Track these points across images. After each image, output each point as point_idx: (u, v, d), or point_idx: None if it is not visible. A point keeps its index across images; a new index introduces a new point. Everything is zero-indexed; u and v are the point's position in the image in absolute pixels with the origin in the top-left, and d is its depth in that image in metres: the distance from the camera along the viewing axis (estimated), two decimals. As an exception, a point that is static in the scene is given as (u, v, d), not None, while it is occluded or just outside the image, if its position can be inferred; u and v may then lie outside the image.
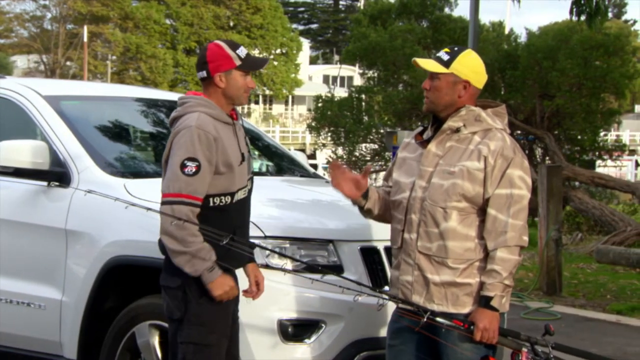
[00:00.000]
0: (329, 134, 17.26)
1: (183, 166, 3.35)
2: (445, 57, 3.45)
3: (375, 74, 17.44)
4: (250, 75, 3.57)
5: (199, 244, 3.35)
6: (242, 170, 3.53)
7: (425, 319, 3.27)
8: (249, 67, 3.53)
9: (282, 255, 3.92)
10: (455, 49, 3.50)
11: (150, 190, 4.40)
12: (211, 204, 3.45)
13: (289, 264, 3.99)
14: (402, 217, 3.48)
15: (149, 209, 3.68)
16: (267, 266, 3.90)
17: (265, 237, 4.00)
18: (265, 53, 49.65)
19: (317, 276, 3.63)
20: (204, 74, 3.53)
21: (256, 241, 3.77)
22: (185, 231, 3.33)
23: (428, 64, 3.48)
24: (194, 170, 3.35)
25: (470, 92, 3.46)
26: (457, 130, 3.43)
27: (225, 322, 3.53)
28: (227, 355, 3.59)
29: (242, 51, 3.54)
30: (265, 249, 3.81)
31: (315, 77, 60.36)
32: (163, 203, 3.39)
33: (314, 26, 75.19)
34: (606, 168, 18.17)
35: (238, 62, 3.50)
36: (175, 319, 3.50)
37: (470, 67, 3.45)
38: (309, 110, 47.31)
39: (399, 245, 3.50)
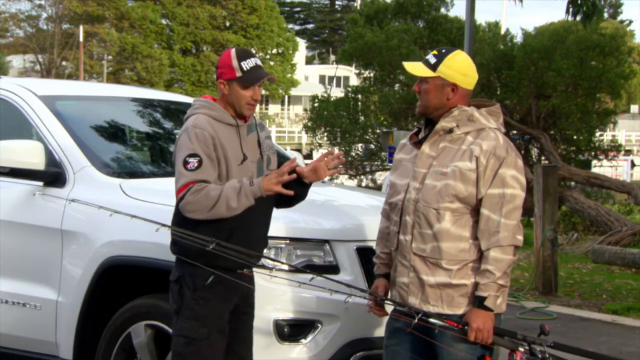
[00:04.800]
0: (325, 134, 17.29)
1: (185, 163, 3.45)
2: (433, 60, 3.45)
3: (372, 74, 17.48)
4: (258, 88, 3.59)
5: (219, 190, 3.39)
6: (242, 171, 3.55)
7: (416, 320, 3.27)
8: (246, 81, 3.55)
9: (270, 259, 3.89)
10: (443, 51, 3.49)
11: (146, 190, 4.40)
12: None
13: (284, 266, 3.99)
14: (397, 219, 3.49)
15: (116, 211, 3.78)
16: (263, 266, 3.89)
17: (262, 237, 4.00)
18: (262, 53, 49.63)
19: (307, 279, 3.65)
20: (215, 77, 3.64)
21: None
22: (200, 193, 3.38)
23: (415, 68, 3.48)
24: (196, 165, 3.44)
25: (460, 94, 3.45)
26: (450, 130, 3.43)
27: (218, 318, 3.55)
28: (231, 353, 3.62)
29: (249, 63, 3.56)
30: (255, 255, 3.73)
31: (312, 77, 60.35)
32: (178, 201, 3.46)
33: (310, 26, 75.18)
34: (602, 168, 18.22)
35: (238, 74, 3.54)
36: (174, 312, 3.59)
37: (458, 69, 3.44)
38: (305, 110, 47.31)
39: (395, 247, 3.50)
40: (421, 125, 3.59)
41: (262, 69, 3.60)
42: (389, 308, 3.55)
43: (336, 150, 3.72)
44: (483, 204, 3.36)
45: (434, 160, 3.43)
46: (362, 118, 17.11)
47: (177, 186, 3.47)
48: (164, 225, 3.54)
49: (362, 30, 16.85)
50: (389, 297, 3.55)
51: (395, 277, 3.50)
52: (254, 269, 3.66)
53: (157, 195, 4.27)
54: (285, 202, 3.71)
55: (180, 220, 3.52)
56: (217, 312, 3.54)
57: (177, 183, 3.48)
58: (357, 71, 19.43)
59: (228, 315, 3.60)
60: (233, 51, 3.59)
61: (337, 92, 20.26)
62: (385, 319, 3.60)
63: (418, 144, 3.52)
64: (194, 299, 3.51)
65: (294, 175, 3.45)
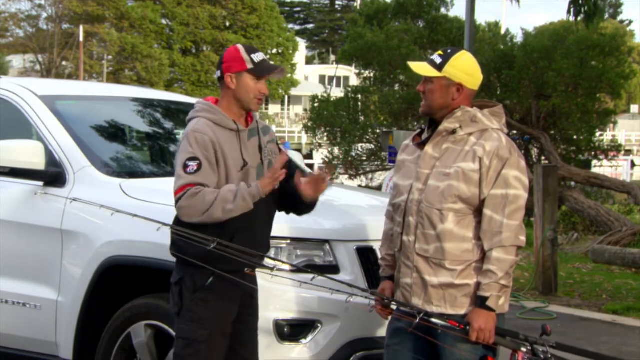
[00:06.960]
0: (325, 134, 17.29)
1: (185, 167, 3.44)
2: (438, 60, 3.45)
3: (372, 74, 17.47)
4: (265, 82, 3.59)
5: (215, 193, 3.38)
6: (243, 177, 3.53)
7: (418, 320, 3.27)
8: (259, 71, 3.56)
9: (271, 259, 3.89)
10: (449, 51, 3.49)
11: (146, 190, 4.40)
12: None
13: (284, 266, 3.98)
14: (400, 220, 3.49)
15: (118, 210, 3.79)
16: (265, 266, 3.89)
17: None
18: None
19: (308, 278, 3.64)
20: (218, 73, 3.61)
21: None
22: (196, 197, 3.37)
23: (421, 68, 3.48)
24: (195, 168, 3.43)
25: (465, 94, 3.46)
26: (453, 131, 3.43)
27: (220, 319, 3.54)
28: (235, 354, 3.61)
29: (258, 56, 3.58)
30: (256, 255, 3.75)
31: (312, 77, 60.35)
32: (176, 202, 3.45)
33: (310, 26, 75.17)
34: (602, 168, 18.20)
35: (250, 66, 3.55)
36: (175, 314, 3.59)
37: (463, 69, 3.45)
38: (305, 110, 47.30)
39: (399, 248, 3.50)
40: (423, 126, 3.59)
41: (270, 62, 3.62)
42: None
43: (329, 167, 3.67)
44: (486, 205, 3.36)
45: (437, 161, 3.43)
46: (362, 118, 17.11)
47: (174, 188, 3.45)
48: (165, 224, 3.54)
49: (362, 31, 16.84)
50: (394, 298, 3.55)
51: (399, 278, 3.50)
52: (257, 269, 3.65)
53: (157, 195, 4.27)
54: (294, 208, 3.72)
55: (181, 221, 3.51)
56: (217, 314, 3.53)
57: (174, 185, 3.45)
58: (357, 71, 19.43)
59: (234, 316, 3.59)
60: (240, 46, 3.60)
61: (337, 92, 20.25)
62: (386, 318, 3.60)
63: (421, 145, 3.52)
64: (192, 301, 3.50)
65: (283, 172, 3.46)
